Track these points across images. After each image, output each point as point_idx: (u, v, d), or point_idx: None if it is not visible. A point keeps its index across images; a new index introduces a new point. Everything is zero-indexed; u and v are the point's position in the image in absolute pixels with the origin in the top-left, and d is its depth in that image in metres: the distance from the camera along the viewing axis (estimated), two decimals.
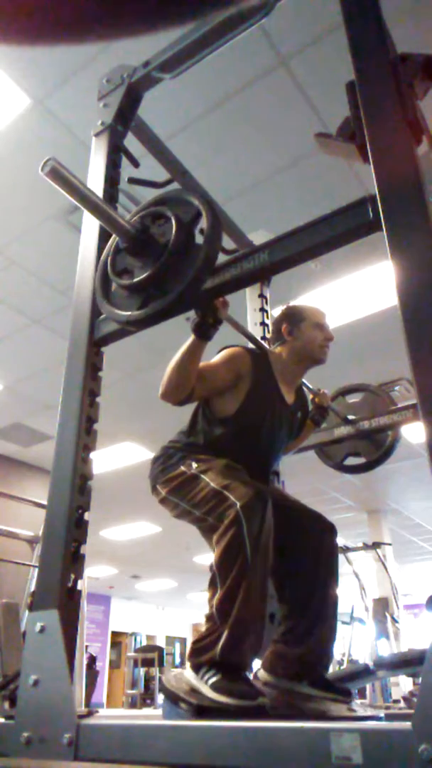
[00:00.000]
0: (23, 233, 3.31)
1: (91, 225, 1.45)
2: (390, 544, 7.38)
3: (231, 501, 1.40)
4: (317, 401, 2.00)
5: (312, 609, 1.55)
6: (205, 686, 1.30)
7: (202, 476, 1.49)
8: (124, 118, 1.57)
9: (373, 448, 2.08)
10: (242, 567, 1.34)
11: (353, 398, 2.23)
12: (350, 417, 2.10)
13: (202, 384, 1.55)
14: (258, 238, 1.87)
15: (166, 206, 1.17)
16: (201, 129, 2.66)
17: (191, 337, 1.47)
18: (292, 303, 1.82)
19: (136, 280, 1.13)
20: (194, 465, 1.53)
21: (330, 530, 1.66)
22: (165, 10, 0.34)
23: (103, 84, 1.61)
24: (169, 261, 1.09)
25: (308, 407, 1.92)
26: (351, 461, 2.17)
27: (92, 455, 1.19)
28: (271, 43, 2.33)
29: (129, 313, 1.14)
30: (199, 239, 1.12)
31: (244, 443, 1.64)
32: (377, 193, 0.94)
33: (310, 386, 2.03)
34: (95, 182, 1.49)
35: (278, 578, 1.57)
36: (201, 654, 1.35)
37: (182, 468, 1.55)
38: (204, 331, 1.45)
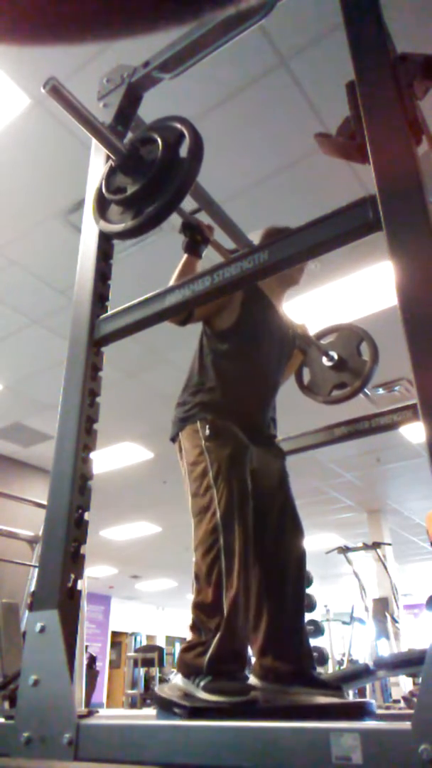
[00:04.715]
0: (23, 233, 3.31)
1: (91, 224, 1.45)
2: (390, 544, 7.38)
3: (213, 505, 1.45)
4: (300, 331, 2.10)
5: (285, 615, 1.58)
6: (197, 689, 1.31)
7: (207, 455, 1.55)
8: (124, 119, 1.57)
9: (355, 376, 2.17)
10: (219, 577, 1.38)
11: (328, 339, 2.33)
12: (330, 353, 2.20)
13: None
14: (258, 238, 1.87)
15: (152, 131, 1.27)
16: (201, 129, 2.65)
17: (184, 257, 1.67)
18: (270, 227, 1.92)
19: (129, 193, 1.23)
20: (207, 431, 1.59)
21: (300, 534, 1.70)
22: (165, 10, 0.34)
23: (103, 84, 1.61)
24: (157, 175, 1.20)
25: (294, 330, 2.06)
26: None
27: (92, 455, 1.19)
28: (271, 43, 2.32)
29: (124, 224, 1.23)
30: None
31: (248, 356, 1.75)
32: (377, 193, 0.93)
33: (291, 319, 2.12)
34: (96, 182, 1.49)
35: None
36: (190, 663, 1.37)
37: (198, 425, 1.62)
38: (194, 249, 1.68)
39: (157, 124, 1.30)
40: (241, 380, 1.73)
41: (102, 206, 1.32)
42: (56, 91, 1.10)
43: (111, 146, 1.25)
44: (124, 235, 1.24)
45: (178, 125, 1.23)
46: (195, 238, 1.67)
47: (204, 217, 1.79)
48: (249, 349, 1.75)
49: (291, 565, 1.63)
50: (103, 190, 1.29)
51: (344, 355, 2.20)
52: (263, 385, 1.82)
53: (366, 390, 2.14)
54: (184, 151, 1.22)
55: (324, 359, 2.21)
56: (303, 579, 1.63)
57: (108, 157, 1.35)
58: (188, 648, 1.39)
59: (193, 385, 1.73)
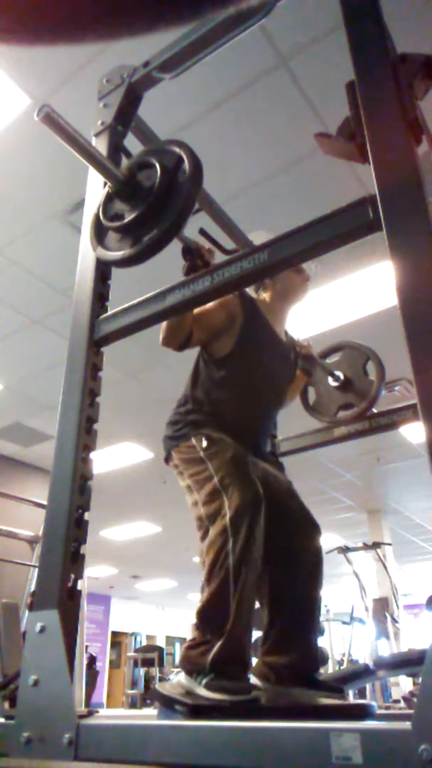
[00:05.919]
0: (23, 233, 3.31)
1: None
2: (390, 544, 7.38)
3: (224, 508, 1.43)
4: (304, 351, 2.07)
5: (295, 615, 1.57)
6: (199, 687, 1.31)
7: (209, 463, 1.53)
8: (125, 118, 1.57)
9: (361, 397, 2.13)
10: (226, 580, 1.36)
11: (334, 358, 2.29)
12: (336, 372, 2.17)
13: (198, 326, 1.67)
14: (258, 238, 1.87)
15: (150, 156, 1.25)
16: (201, 129, 2.66)
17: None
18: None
19: (126, 220, 1.20)
20: (204, 443, 1.57)
21: (316, 533, 1.68)
22: (165, 10, 0.34)
23: (103, 84, 1.61)
24: (156, 201, 1.18)
25: (297, 351, 2.02)
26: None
27: (92, 455, 1.19)
28: (271, 43, 2.33)
29: (122, 252, 1.21)
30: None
31: (246, 382, 1.72)
32: (377, 193, 0.93)
33: (295, 339, 2.09)
34: (96, 182, 1.49)
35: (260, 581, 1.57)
36: (193, 661, 1.36)
37: (194, 441, 1.60)
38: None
39: (154, 149, 1.28)
40: (237, 409, 1.70)
41: (99, 233, 1.30)
42: (50, 119, 1.07)
43: (107, 172, 1.22)
44: (123, 263, 1.22)
45: (177, 149, 1.20)
46: (195, 263, 1.64)
47: (204, 217, 1.78)
48: (247, 376, 1.72)
49: (309, 566, 1.61)
50: (101, 216, 1.27)
51: (350, 374, 2.16)
52: (261, 411, 1.79)
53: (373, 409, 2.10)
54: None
55: (330, 379, 2.18)
56: (320, 579, 1.61)
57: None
58: (192, 645, 1.38)
59: (186, 410, 1.71)
